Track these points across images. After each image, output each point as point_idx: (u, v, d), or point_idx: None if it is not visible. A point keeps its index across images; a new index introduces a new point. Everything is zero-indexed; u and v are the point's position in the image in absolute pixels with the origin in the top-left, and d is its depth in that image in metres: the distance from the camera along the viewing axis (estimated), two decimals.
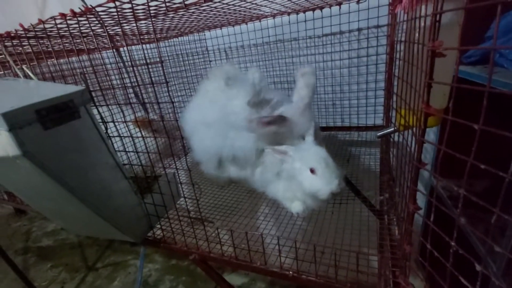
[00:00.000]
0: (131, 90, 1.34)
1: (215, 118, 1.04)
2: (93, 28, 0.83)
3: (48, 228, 2.66)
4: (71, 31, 0.80)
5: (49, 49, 0.96)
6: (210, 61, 1.88)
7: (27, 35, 0.86)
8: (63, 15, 0.73)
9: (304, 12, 1.37)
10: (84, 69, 0.95)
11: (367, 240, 0.86)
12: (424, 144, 0.51)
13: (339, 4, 1.27)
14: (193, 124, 1.16)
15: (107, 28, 0.85)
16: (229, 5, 0.93)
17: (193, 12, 0.97)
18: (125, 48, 1.55)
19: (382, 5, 1.24)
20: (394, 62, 1.07)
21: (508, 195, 0.38)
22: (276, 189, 0.99)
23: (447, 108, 0.75)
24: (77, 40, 0.99)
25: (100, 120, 0.84)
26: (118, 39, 1.39)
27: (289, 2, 1.11)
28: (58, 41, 0.96)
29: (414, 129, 0.57)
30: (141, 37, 1.46)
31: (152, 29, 1.27)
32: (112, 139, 0.88)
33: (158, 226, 1.01)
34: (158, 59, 0.73)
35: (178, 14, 0.97)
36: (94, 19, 0.76)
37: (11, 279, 2.01)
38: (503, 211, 0.37)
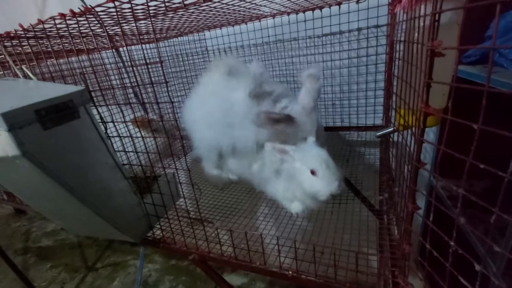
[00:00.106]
0: (130, 90, 1.34)
1: (215, 108, 1.02)
2: (92, 28, 0.83)
3: (48, 228, 2.66)
4: (71, 31, 0.80)
5: (48, 49, 0.96)
6: (209, 61, 1.88)
7: (27, 35, 0.86)
8: (62, 15, 0.73)
9: (304, 12, 1.37)
10: (84, 69, 0.95)
11: (367, 240, 0.86)
12: (424, 144, 0.51)
13: (339, 4, 1.27)
14: (193, 116, 1.14)
15: (107, 28, 0.85)
16: (229, 5, 0.93)
17: (192, 12, 0.97)
18: (124, 48, 1.55)
19: (381, 5, 1.24)
20: (394, 62, 1.07)
21: (508, 195, 0.38)
22: (276, 188, 0.98)
23: (447, 107, 0.75)
24: (77, 40, 0.99)
25: (99, 120, 0.84)
26: (117, 39, 1.39)
27: (288, 2, 1.11)
28: (58, 41, 0.96)
29: (414, 129, 0.57)
30: (141, 37, 1.46)
31: (151, 29, 1.27)
32: (112, 139, 0.88)
33: (158, 226, 1.01)
34: (157, 59, 0.73)
35: (178, 14, 0.97)
36: (94, 19, 0.76)
37: (11, 279, 2.01)
38: (502, 211, 0.37)
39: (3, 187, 1.45)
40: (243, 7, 1.04)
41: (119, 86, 0.89)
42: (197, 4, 0.75)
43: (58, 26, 0.77)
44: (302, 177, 0.85)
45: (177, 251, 0.96)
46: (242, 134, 0.96)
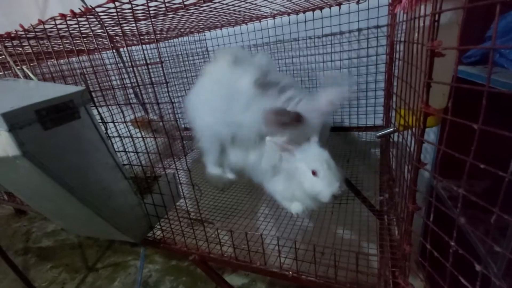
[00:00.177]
0: (131, 91, 1.34)
1: (219, 95, 1.00)
2: (93, 28, 0.83)
3: (48, 229, 2.66)
4: (71, 31, 0.80)
5: (49, 50, 0.96)
6: (210, 61, 1.88)
7: (27, 35, 0.86)
8: (63, 16, 0.73)
9: (304, 12, 1.37)
10: (84, 70, 0.95)
11: (367, 240, 0.86)
12: (424, 144, 0.51)
13: (339, 4, 1.27)
14: (197, 103, 1.11)
15: (107, 28, 0.85)
16: (229, 5, 0.93)
17: (192, 13, 0.97)
18: (125, 48, 1.55)
19: (381, 6, 1.24)
20: (394, 62, 1.07)
21: (508, 195, 0.38)
22: (275, 187, 0.97)
23: (447, 108, 0.75)
24: (77, 41, 0.99)
25: (100, 121, 0.84)
26: (118, 40, 1.39)
27: (289, 2, 1.11)
28: (58, 41, 0.97)
29: (414, 129, 0.57)
30: (141, 37, 1.46)
31: (152, 30, 1.27)
32: (112, 139, 0.88)
33: (158, 226, 1.01)
34: (158, 60, 0.73)
35: (178, 15, 0.97)
36: (94, 19, 0.77)
37: (11, 279, 2.01)
38: (503, 211, 0.37)
39: (3, 187, 1.45)
40: (244, 7, 1.04)
41: (120, 86, 0.89)
42: (197, 5, 0.75)
43: (58, 26, 0.77)
44: (303, 177, 0.84)
45: (177, 251, 0.96)
46: (245, 123, 0.93)
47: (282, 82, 0.98)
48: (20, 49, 0.92)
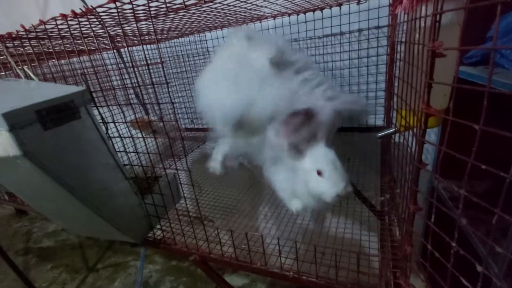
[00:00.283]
0: (131, 91, 1.34)
1: (233, 72, 0.94)
2: (93, 29, 0.83)
3: (49, 229, 2.66)
4: (72, 31, 0.80)
5: (50, 50, 0.96)
6: (211, 62, 1.88)
7: (28, 35, 0.87)
8: (64, 16, 0.73)
9: (305, 13, 1.37)
10: (85, 70, 0.95)
11: (368, 241, 0.85)
12: (425, 145, 0.51)
13: (340, 5, 1.27)
14: (209, 83, 1.04)
15: (108, 28, 0.85)
16: (230, 5, 0.93)
17: (193, 13, 0.97)
18: (127, 48, 1.55)
19: (382, 6, 1.24)
20: (395, 62, 1.07)
21: (509, 195, 0.38)
22: (277, 183, 0.95)
23: (448, 108, 0.75)
24: (78, 41, 0.99)
25: (100, 121, 0.84)
26: (118, 40, 1.40)
27: (289, 3, 1.11)
28: (59, 41, 0.97)
29: (415, 129, 0.57)
30: (142, 38, 1.46)
31: (152, 30, 1.27)
32: (113, 139, 0.88)
33: (158, 226, 1.01)
34: (158, 60, 0.73)
35: (179, 15, 0.97)
36: (95, 19, 0.77)
37: (11, 279, 2.01)
38: (504, 211, 0.37)
39: (4, 187, 1.45)
40: (244, 8, 1.04)
41: (120, 86, 0.89)
42: (198, 5, 0.75)
43: (59, 26, 0.77)
44: (308, 177, 0.83)
45: (177, 251, 0.96)
46: (258, 103, 0.88)
47: (299, 63, 0.95)
48: (21, 49, 0.92)
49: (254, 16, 1.34)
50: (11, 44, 0.93)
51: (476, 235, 0.88)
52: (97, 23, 0.80)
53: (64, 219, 1.09)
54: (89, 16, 0.73)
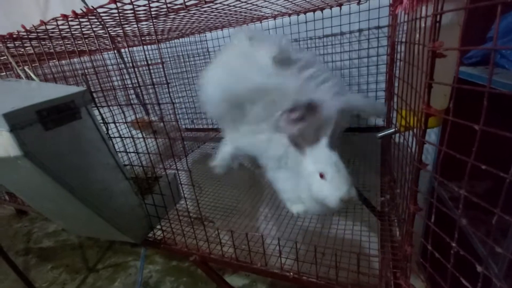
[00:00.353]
0: (132, 91, 1.34)
1: (237, 69, 0.92)
2: (94, 29, 0.83)
3: (49, 229, 2.66)
4: (73, 32, 0.80)
5: (50, 50, 0.96)
6: (211, 62, 1.88)
7: (29, 36, 0.87)
8: (64, 17, 0.73)
9: (305, 13, 1.37)
10: (86, 70, 0.95)
11: (368, 241, 0.85)
12: (425, 145, 0.51)
13: (340, 5, 1.27)
14: (213, 78, 1.02)
15: (108, 29, 0.85)
16: (230, 6, 0.93)
17: (194, 13, 0.97)
18: (128, 49, 1.55)
19: (382, 6, 1.24)
20: (395, 63, 1.07)
21: (510, 195, 0.38)
22: (280, 185, 0.93)
23: (448, 108, 0.75)
24: (79, 41, 0.99)
25: (101, 121, 0.84)
26: (119, 40, 1.40)
27: (289, 3, 1.11)
28: (60, 42, 0.97)
29: (415, 130, 0.57)
30: (142, 38, 1.46)
31: (153, 30, 1.27)
32: (113, 139, 0.88)
33: (158, 227, 1.01)
34: (159, 60, 0.73)
35: (179, 15, 0.97)
36: (96, 20, 0.77)
37: (12, 280, 2.01)
38: (504, 212, 0.37)
39: (4, 187, 1.46)
40: (244, 8, 1.04)
41: (121, 87, 0.90)
42: (198, 6, 0.75)
43: (60, 27, 0.77)
44: (310, 179, 0.79)
45: (178, 252, 0.96)
46: (262, 103, 0.87)
47: (303, 60, 0.93)
48: (22, 49, 0.93)
49: (255, 16, 1.34)
50: (12, 45, 0.93)
51: (476, 235, 0.87)
52: (98, 23, 0.80)
53: (65, 219, 1.09)
54: (89, 17, 0.73)
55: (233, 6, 0.94)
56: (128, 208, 0.92)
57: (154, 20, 0.78)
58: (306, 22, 1.40)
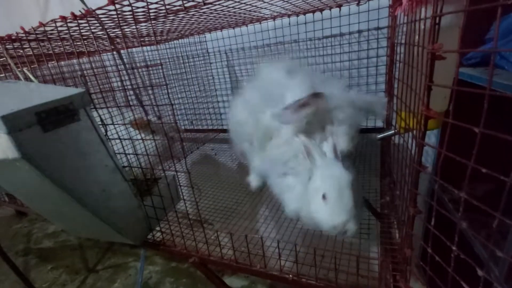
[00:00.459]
0: (131, 92, 1.34)
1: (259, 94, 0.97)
2: (93, 30, 0.83)
3: (49, 230, 2.66)
4: (72, 33, 0.80)
5: (49, 52, 0.96)
6: (210, 63, 1.88)
7: (28, 37, 0.87)
8: (63, 18, 0.73)
9: (304, 14, 1.37)
10: (85, 71, 0.95)
11: (368, 243, 0.85)
12: (425, 147, 0.50)
13: (339, 6, 1.27)
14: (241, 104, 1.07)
15: (108, 30, 0.85)
16: (229, 7, 0.93)
17: (193, 15, 0.97)
18: (125, 50, 1.55)
19: (382, 7, 1.24)
20: (395, 64, 1.07)
21: (511, 198, 0.38)
22: (283, 193, 0.91)
23: (448, 110, 0.75)
24: (78, 43, 0.99)
25: (100, 123, 0.84)
26: (118, 42, 1.40)
27: (289, 4, 1.11)
28: (59, 43, 0.97)
29: (415, 131, 0.56)
30: (142, 39, 1.46)
31: (152, 32, 1.27)
32: (112, 141, 0.88)
33: (158, 228, 1.01)
34: (158, 61, 0.73)
35: (178, 17, 0.97)
36: (94, 21, 0.77)
37: (12, 280, 2.01)
38: (505, 214, 0.37)
39: (4, 189, 1.45)
40: (244, 9, 1.04)
41: (120, 88, 0.89)
42: (197, 7, 0.75)
43: (59, 28, 0.77)
44: (312, 196, 0.75)
45: (177, 253, 0.96)
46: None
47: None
48: (21, 51, 0.92)
49: (254, 17, 1.34)
50: (11, 46, 0.93)
51: (477, 238, 0.87)
52: (97, 24, 0.80)
53: (64, 221, 1.09)
54: (88, 18, 0.73)
55: (232, 7, 0.94)
56: (127, 209, 0.92)
57: (153, 22, 0.78)
58: (305, 23, 1.40)
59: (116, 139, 0.89)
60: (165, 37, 1.61)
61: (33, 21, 0.84)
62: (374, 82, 1.41)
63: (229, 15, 1.11)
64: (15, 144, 0.60)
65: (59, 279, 2.06)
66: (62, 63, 1.49)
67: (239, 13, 1.11)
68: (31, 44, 0.90)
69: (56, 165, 0.69)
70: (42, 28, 0.78)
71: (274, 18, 1.42)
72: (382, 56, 1.33)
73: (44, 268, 2.19)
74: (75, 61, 1.27)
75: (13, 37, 0.86)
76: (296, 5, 1.14)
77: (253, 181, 1.09)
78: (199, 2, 0.71)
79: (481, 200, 0.38)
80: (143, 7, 0.67)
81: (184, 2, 0.67)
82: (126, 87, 0.88)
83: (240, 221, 1.09)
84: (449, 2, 0.43)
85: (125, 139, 0.89)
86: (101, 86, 0.87)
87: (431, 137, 1.30)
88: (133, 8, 0.66)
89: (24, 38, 0.87)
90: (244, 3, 0.93)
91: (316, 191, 0.75)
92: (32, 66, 0.94)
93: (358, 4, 1.25)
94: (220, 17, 1.15)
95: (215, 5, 0.81)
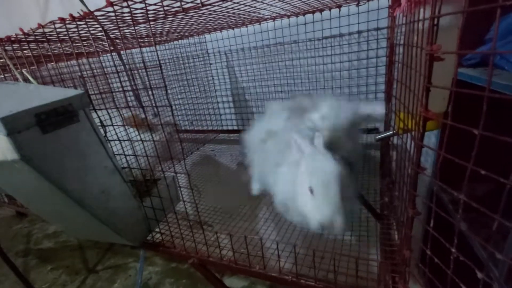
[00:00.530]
0: (130, 93, 1.34)
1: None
2: (92, 32, 0.83)
3: (49, 230, 2.66)
4: (71, 35, 0.80)
5: (48, 53, 0.96)
6: (210, 63, 1.88)
7: (27, 39, 0.87)
8: (62, 20, 0.73)
9: (304, 14, 1.37)
10: (84, 72, 0.95)
11: (367, 245, 0.85)
12: (425, 147, 0.50)
13: (339, 6, 1.27)
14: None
15: (107, 31, 0.85)
16: (228, 8, 0.93)
17: (192, 16, 0.97)
18: (124, 51, 1.55)
19: (381, 8, 1.24)
20: (394, 64, 1.07)
21: (510, 199, 0.37)
22: (277, 186, 0.89)
23: (447, 111, 0.75)
24: (77, 44, 0.99)
25: (99, 124, 0.84)
26: (117, 43, 1.40)
27: (289, 5, 1.11)
28: (58, 45, 0.97)
29: (413, 133, 0.56)
30: (141, 40, 1.46)
31: (151, 33, 1.27)
32: (111, 142, 0.88)
33: (157, 229, 1.01)
34: (158, 62, 0.73)
35: (177, 18, 0.97)
36: (93, 23, 0.77)
37: (12, 281, 2.01)
38: (505, 216, 0.37)
39: (4, 190, 1.45)
40: (243, 10, 1.04)
41: (119, 89, 0.89)
42: (196, 8, 0.75)
43: (58, 30, 0.77)
44: (300, 189, 0.73)
45: (176, 255, 0.96)
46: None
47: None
48: (20, 52, 0.92)
49: (254, 18, 1.34)
50: (10, 48, 0.93)
51: (477, 240, 0.87)
52: (96, 26, 0.80)
53: (63, 222, 1.09)
54: (87, 20, 0.73)
55: (231, 8, 0.94)
56: (126, 211, 0.92)
57: (151, 23, 0.78)
58: (305, 23, 1.40)
59: (115, 140, 0.89)
60: (164, 38, 1.61)
61: (33, 21, 0.84)
62: (373, 83, 1.41)
63: (229, 16, 1.11)
64: (14, 145, 0.60)
65: (59, 280, 2.05)
66: (62, 64, 1.49)
67: (238, 14, 1.11)
68: (30, 45, 0.89)
69: (55, 166, 0.69)
70: (40, 30, 0.78)
71: (273, 19, 1.42)
72: (381, 56, 1.33)
73: (44, 268, 2.19)
74: (74, 62, 1.27)
75: (12, 39, 0.86)
76: (295, 6, 1.14)
77: (255, 187, 1.13)
78: (197, 4, 0.71)
79: (482, 200, 0.38)
80: (141, 8, 0.67)
81: (183, 3, 0.67)
82: (124, 89, 0.88)
83: (240, 223, 1.09)
84: (448, 3, 0.43)
85: (124, 140, 0.89)
86: (100, 88, 0.87)
87: (431, 138, 1.30)
88: (132, 9, 0.66)
89: (23, 39, 0.87)
90: (243, 4, 0.93)
91: (303, 184, 0.72)
92: (31, 68, 0.94)
93: (357, 5, 1.25)
94: (219, 18, 1.15)
95: (214, 6, 0.81)
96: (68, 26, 0.75)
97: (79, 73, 0.92)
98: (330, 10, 1.30)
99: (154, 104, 0.76)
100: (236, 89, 1.86)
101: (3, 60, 0.93)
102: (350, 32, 1.35)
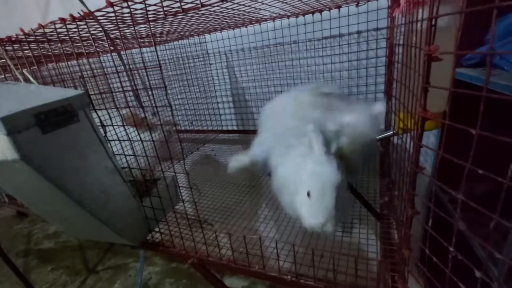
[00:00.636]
0: (130, 93, 1.34)
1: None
2: (93, 32, 0.83)
3: (49, 231, 2.66)
4: (71, 35, 0.80)
5: (49, 53, 0.96)
6: (210, 64, 1.89)
7: (28, 39, 0.87)
8: (62, 20, 0.73)
9: (304, 15, 1.37)
10: (84, 73, 0.95)
11: (366, 244, 0.85)
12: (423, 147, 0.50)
13: (339, 7, 1.27)
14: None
15: (107, 32, 0.85)
16: (228, 9, 0.93)
17: (192, 16, 0.98)
18: (124, 51, 1.56)
19: (381, 8, 1.24)
20: (393, 65, 1.07)
21: (509, 199, 0.38)
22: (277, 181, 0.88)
23: (445, 112, 0.75)
24: (77, 44, 0.99)
25: (99, 124, 0.84)
26: (117, 43, 1.40)
27: (288, 5, 1.11)
28: (58, 45, 0.97)
29: (412, 132, 0.56)
30: (141, 40, 1.46)
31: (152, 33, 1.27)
32: (111, 142, 0.88)
33: (157, 229, 1.01)
34: (157, 63, 0.73)
35: (177, 18, 0.97)
36: (93, 23, 0.77)
37: (12, 281, 2.01)
38: (503, 215, 0.37)
39: (4, 190, 1.46)
40: (243, 10, 1.04)
41: (119, 89, 0.89)
42: (195, 9, 0.75)
43: (58, 30, 0.77)
44: (299, 189, 0.74)
45: (176, 254, 0.96)
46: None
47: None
48: (21, 52, 0.93)
49: (253, 18, 1.34)
50: (11, 48, 0.93)
51: (476, 239, 0.87)
52: (96, 26, 0.80)
53: (63, 222, 1.09)
54: (87, 20, 0.74)
55: (231, 9, 0.94)
56: (126, 211, 0.92)
57: (151, 24, 0.78)
58: (305, 24, 1.41)
59: (115, 140, 0.89)
60: (164, 38, 1.61)
61: (33, 21, 0.85)
62: (373, 83, 1.41)
63: (228, 16, 1.12)
64: (14, 145, 0.61)
65: (59, 280, 2.06)
66: (62, 64, 1.50)
67: (238, 14, 1.12)
68: (30, 45, 0.90)
69: (55, 166, 0.69)
70: (41, 30, 0.78)
71: (273, 19, 1.43)
72: (381, 56, 1.33)
73: (45, 269, 2.20)
74: (75, 62, 1.28)
75: (13, 39, 0.86)
76: (295, 6, 1.15)
77: (239, 161, 1.07)
78: (197, 4, 0.71)
79: (480, 200, 0.38)
80: (141, 9, 0.67)
81: (182, 4, 0.67)
82: (125, 89, 0.88)
83: (239, 221, 1.09)
84: (446, 3, 0.43)
85: (124, 140, 0.90)
86: (100, 88, 0.87)
87: (431, 137, 1.30)
88: (132, 10, 0.66)
89: (24, 39, 0.87)
90: (243, 4, 0.93)
91: (303, 184, 0.73)
92: (31, 68, 0.95)
93: (357, 5, 1.25)
94: (219, 18, 1.15)
95: (214, 6, 0.81)
96: (68, 26, 0.76)
97: (79, 73, 0.92)
98: (329, 10, 1.31)
99: (154, 104, 0.77)
100: (236, 89, 1.86)
101: (4, 60, 0.93)
102: (350, 32, 1.36)
